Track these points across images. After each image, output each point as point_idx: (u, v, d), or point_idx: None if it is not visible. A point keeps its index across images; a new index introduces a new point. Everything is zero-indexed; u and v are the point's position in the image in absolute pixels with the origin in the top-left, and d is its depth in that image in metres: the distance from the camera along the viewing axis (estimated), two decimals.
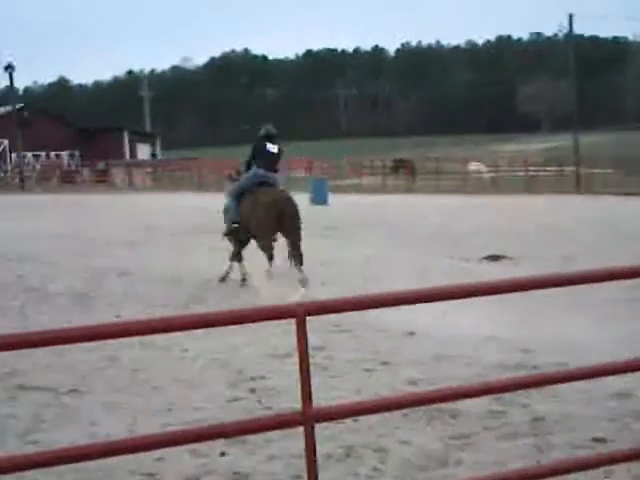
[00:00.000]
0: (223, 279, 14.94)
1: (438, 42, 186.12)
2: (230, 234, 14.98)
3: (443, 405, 6.87)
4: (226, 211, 15.31)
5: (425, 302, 4.81)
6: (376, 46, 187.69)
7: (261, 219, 14.27)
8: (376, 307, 4.90)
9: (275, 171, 14.86)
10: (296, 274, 14.12)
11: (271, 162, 14.81)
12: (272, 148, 14.87)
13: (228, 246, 15.14)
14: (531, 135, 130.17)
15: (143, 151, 72.39)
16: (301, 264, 14.17)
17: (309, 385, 4.08)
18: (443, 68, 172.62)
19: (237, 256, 14.99)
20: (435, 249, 18.63)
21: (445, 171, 50.97)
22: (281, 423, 4.44)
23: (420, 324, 10.77)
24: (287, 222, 14.27)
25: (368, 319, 10.67)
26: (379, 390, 8.04)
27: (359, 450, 6.54)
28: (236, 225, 14.69)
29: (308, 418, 4.06)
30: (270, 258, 14.44)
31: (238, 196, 14.71)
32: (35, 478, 5.91)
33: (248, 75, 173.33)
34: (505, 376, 8.19)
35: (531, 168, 50.90)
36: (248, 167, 14.90)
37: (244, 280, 14.77)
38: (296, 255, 14.25)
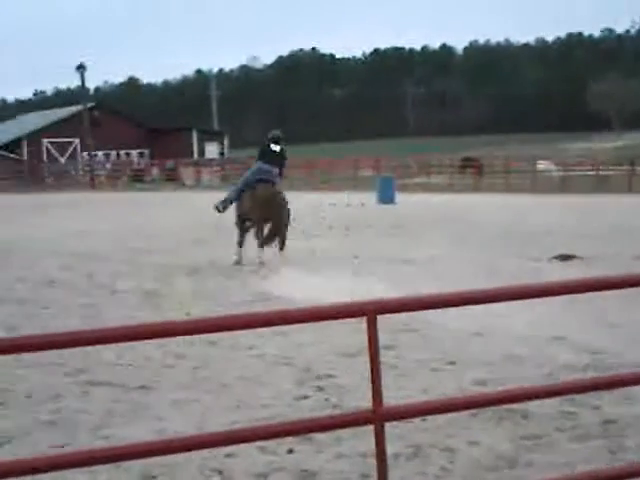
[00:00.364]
0: (237, 263, 16.98)
1: (507, 40, 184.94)
2: (238, 223, 17.42)
3: (513, 405, 6.80)
4: (223, 201, 17.55)
5: (493, 302, 4.76)
6: (444, 44, 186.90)
7: (254, 210, 16.74)
8: (445, 307, 4.86)
9: (280, 166, 17.30)
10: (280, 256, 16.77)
11: (273, 159, 17.22)
12: (275, 147, 17.38)
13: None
14: (601, 133, 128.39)
15: (211, 150, 72.86)
16: (281, 249, 16.82)
17: (379, 384, 4.06)
18: (512, 66, 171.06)
19: (240, 242, 17.31)
20: (503, 249, 18.46)
21: (514, 170, 50.52)
22: (351, 421, 4.43)
23: (488, 324, 10.68)
24: (274, 215, 16.62)
25: (436, 318, 10.62)
26: (446, 390, 7.99)
27: (427, 449, 6.51)
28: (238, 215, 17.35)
29: (378, 417, 4.04)
30: (260, 245, 16.80)
31: (241, 190, 17.25)
32: (105, 474, 6.00)
33: (316, 74, 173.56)
34: (575, 377, 8.10)
35: (601, 167, 50.24)
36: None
37: (237, 263, 16.96)
38: (280, 241, 16.79)
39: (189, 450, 4.61)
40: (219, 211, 17.63)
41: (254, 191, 16.82)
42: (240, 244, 17.26)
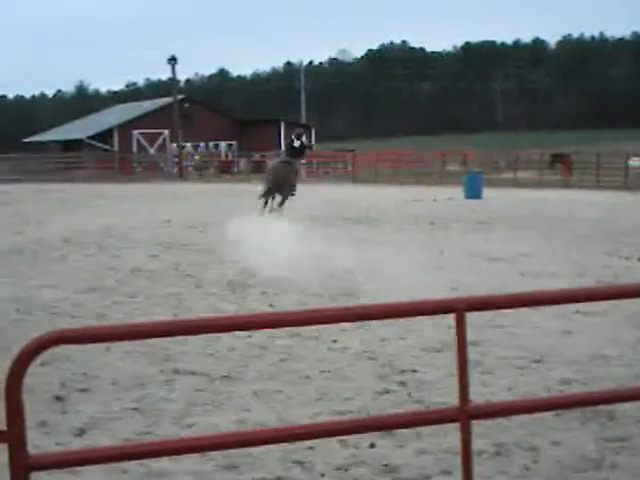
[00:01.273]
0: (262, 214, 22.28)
1: (602, 34, 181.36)
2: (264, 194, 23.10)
3: (599, 406, 6.67)
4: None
5: (582, 302, 4.67)
6: (537, 38, 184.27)
7: (270, 180, 22.98)
8: (534, 305, 4.78)
9: (300, 155, 23.96)
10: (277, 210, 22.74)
11: (293, 151, 23.55)
12: (296, 143, 23.56)
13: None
14: None
15: (298, 142, 73.15)
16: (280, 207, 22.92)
17: (467, 382, 4.00)
18: (606, 61, 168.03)
19: (265, 201, 22.92)
20: (593, 246, 18.15)
21: (605, 166, 49.65)
22: (437, 419, 4.38)
23: (577, 322, 10.52)
24: (283, 184, 22.65)
25: (522, 315, 10.48)
26: (531, 389, 7.89)
27: (510, 448, 6.43)
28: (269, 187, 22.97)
29: (465, 415, 3.98)
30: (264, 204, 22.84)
31: (269, 173, 23.90)
32: (189, 462, 6.05)
33: (405, 67, 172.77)
34: None
35: None
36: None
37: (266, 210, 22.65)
38: (280, 203, 22.89)
39: (271, 443, 4.61)
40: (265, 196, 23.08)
41: (275, 169, 23.39)
42: (265, 204, 22.90)
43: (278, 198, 22.98)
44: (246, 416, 7.29)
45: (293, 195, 23.14)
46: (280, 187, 22.83)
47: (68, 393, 8.05)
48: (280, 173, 22.95)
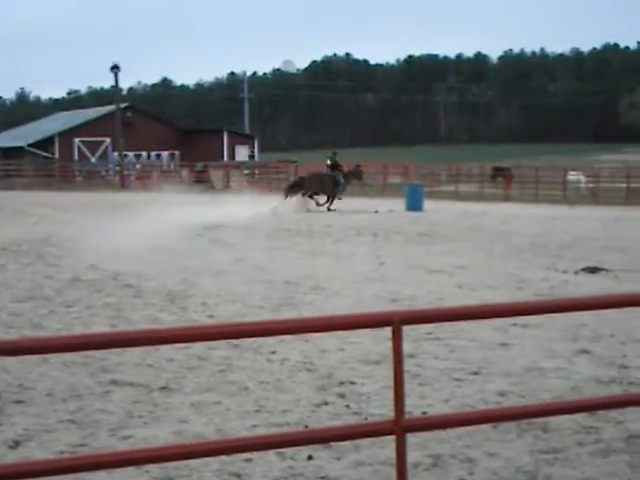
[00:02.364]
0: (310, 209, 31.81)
1: (542, 49, 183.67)
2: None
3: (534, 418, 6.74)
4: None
5: (519, 315, 4.73)
6: (479, 52, 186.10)
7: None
8: (471, 319, 4.83)
9: (333, 169, 35.06)
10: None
11: (328, 168, 34.99)
12: (328, 162, 35.32)
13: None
14: (636, 146, 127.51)
15: (241, 152, 72.91)
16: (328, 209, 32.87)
17: (402, 395, 4.03)
18: (546, 76, 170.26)
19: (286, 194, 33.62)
20: (531, 259, 18.36)
21: (544, 180, 50.24)
22: (372, 431, 4.41)
23: (513, 334, 10.62)
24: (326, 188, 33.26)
25: (460, 328, 10.56)
26: (468, 400, 7.95)
27: (447, 460, 6.47)
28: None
29: (400, 428, 4.01)
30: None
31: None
32: (124, 475, 6.00)
33: (349, 79, 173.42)
34: (599, 391, 8.04)
35: (633, 179, 49.84)
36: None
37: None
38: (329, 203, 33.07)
39: (208, 456, 4.61)
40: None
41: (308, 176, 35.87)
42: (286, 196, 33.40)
43: (319, 199, 33.43)
44: (184, 428, 7.26)
45: (338, 199, 33.61)
46: (311, 189, 33.66)
47: (3, 404, 7.94)
48: (311, 179, 34.83)
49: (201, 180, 58.85)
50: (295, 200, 33.43)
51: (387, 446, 6.28)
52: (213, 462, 6.22)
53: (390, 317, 4.11)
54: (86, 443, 6.90)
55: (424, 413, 7.32)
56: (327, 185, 33.82)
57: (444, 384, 8.55)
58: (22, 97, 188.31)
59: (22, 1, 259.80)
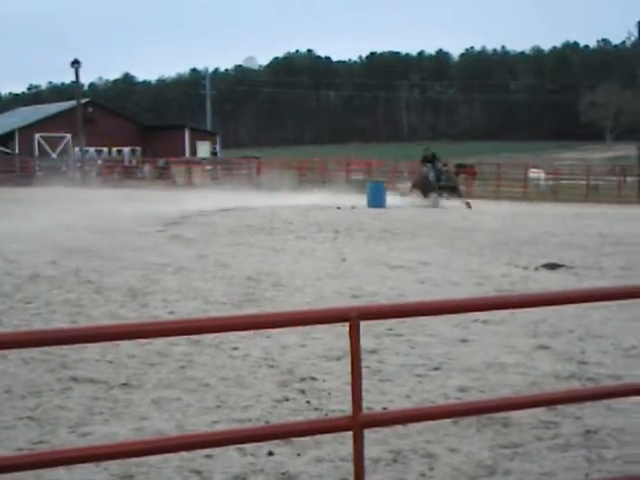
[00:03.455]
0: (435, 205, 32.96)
1: (503, 47, 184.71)
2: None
3: (494, 413, 6.78)
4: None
5: (477, 311, 4.75)
6: (440, 50, 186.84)
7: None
8: (429, 314, 4.85)
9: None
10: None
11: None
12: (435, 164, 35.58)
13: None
14: (595, 143, 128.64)
15: (203, 149, 72.75)
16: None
17: (360, 390, 4.04)
18: (507, 74, 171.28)
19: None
20: (492, 256, 18.46)
21: (506, 177, 50.59)
22: (330, 427, 4.41)
23: (474, 330, 10.68)
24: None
25: (421, 324, 10.61)
26: (429, 396, 7.98)
27: (407, 455, 6.49)
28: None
29: (357, 423, 4.02)
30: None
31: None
32: (83, 471, 5.96)
33: (311, 76, 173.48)
34: (559, 387, 8.10)
35: (592, 177, 50.34)
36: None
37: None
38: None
39: (168, 452, 4.59)
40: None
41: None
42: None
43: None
44: (144, 424, 7.23)
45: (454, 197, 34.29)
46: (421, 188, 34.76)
47: None
48: (418, 180, 35.79)
49: (163, 176, 58.67)
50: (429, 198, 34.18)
51: (348, 442, 6.25)
52: (173, 458, 6.21)
53: (347, 312, 4.11)
54: (45, 440, 6.85)
55: (384, 409, 7.34)
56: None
57: (405, 380, 8.58)
58: None
59: None
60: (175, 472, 6.17)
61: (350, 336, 4.03)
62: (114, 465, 6.11)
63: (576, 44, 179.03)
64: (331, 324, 4.68)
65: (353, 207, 31.35)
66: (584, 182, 48.53)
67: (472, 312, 4.68)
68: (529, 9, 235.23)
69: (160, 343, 9.68)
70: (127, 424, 7.24)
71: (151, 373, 8.87)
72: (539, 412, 7.21)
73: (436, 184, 34.48)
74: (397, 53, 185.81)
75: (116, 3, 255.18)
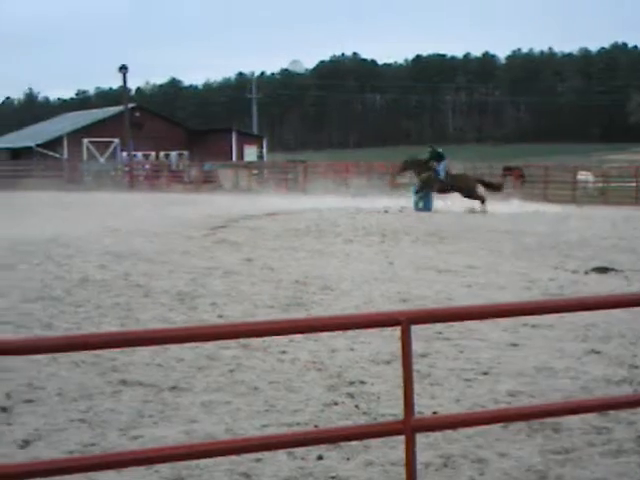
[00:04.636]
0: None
1: (550, 49, 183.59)
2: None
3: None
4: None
5: (527, 315, 4.71)
6: (486, 52, 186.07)
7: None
8: (479, 318, 4.82)
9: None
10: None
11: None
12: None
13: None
14: None
15: (250, 152, 72.97)
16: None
17: (412, 394, 4.02)
18: (554, 76, 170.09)
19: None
20: (540, 259, 18.30)
21: (553, 180, 50.14)
22: (382, 431, 4.40)
23: (522, 335, 10.60)
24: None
25: (470, 327, 10.56)
26: (479, 400, 7.93)
27: (457, 460, 6.45)
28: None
29: (409, 428, 4.00)
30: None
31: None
32: (134, 474, 6.00)
33: (356, 79, 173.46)
34: (610, 391, 8.02)
35: None
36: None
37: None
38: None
39: (218, 455, 4.61)
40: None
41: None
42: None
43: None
44: (194, 427, 7.26)
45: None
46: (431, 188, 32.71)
47: (13, 404, 7.95)
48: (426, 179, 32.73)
49: (210, 180, 58.91)
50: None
51: (397, 446, 6.27)
52: (223, 461, 6.22)
53: (399, 316, 4.10)
54: (96, 443, 6.91)
55: (434, 413, 7.31)
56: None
57: (454, 384, 8.54)
58: (31, 98, 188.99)
59: (31, 2, 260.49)
60: (225, 475, 6.19)
61: (401, 340, 4.01)
62: (164, 468, 6.15)
63: (624, 45, 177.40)
64: (380, 328, 4.67)
65: (400, 210, 31.29)
66: (634, 184, 47.93)
67: (523, 316, 4.64)
68: (577, 10, 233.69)
69: (209, 346, 9.73)
70: (176, 427, 7.28)
71: (200, 376, 8.90)
72: (590, 417, 7.14)
73: (448, 182, 32.94)
74: (443, 56, 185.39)
75: (163, 8, 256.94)
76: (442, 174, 33.00)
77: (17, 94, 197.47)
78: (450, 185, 32.91)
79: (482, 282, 14.99)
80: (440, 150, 34.27)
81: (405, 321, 3.97)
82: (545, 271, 16.44)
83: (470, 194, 32.89)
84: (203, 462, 6.10)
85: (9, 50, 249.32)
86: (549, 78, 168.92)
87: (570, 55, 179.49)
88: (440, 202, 32.86)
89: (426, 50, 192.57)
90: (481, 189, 33.54)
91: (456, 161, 55.89)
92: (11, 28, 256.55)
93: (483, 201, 32.36)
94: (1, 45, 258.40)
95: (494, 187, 34.88)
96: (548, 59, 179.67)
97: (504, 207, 33.03)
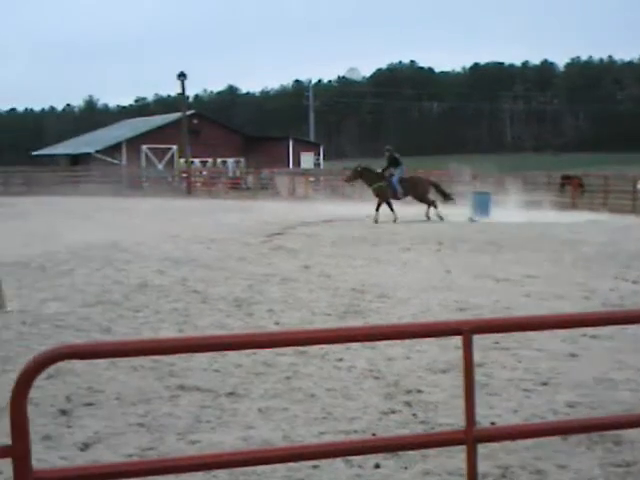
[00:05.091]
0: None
1: (610, 57, 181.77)
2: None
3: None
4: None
5: (590, 326, 4.65)
6: (545, 60, 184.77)
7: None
8: (542, 329, 4.77)
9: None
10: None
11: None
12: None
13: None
14: None
15: (306, 160, 73.20)
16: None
17: (473, 404, 3.99)
18: (614, 83, 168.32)
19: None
20: (600, 269, 18.08)
21: (613, 189, 49.56)
22: (443, 441, 4.37)
23: (581, 345, 10.48)
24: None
25: (528, 337, 10.47)
26: (537, 411, 7.85)
27: (516, 471, 6.39)
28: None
29: (470, 438, 3.97)
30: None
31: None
32: (192, 479, 6.02)
33: (413, 87, 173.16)
34: None
35: None
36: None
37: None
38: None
39: (276, 462, 4.60)
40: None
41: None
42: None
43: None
44: (251, 434, 7.28)
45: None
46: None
47: (73, 407, 8.05)
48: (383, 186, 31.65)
49: (267, 187, 59.11)
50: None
51: (455, 456, 6.24)
52: (280, 468, 6.23)
53: (460, 326, 4.07)
54: (154, 447, 6.95)
55: (492, 423, 7.26)
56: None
57: (512, 394, 8.47)
58: (90, 105, 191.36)
59: (90, 11, 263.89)
60: None
61: (463, 350, 3.99)
62: (222, 473, 6.17)
63: None
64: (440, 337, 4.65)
65: (458, 219, 31.07)
66: None
67: (585, 327, 4.58)
68: (637, 17, 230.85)
69: (266, 353, 9.75)
70: (234, 433, 7.30)
71: (257, 383, 8.93)
72: None
73: (400, 191, 31.69)
74: (501, 64, 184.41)
75: (221, 17, 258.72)
76: (397, 182, 31.85)
77: (77, 101, 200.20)
78: (403, 191, 31.94)
79: (541, 291, 14.85)
80: (397, 155, 33.02)
81: (467, 331, 3.94)
82: (605, 281, 16.23)
83: (422, 198, 32.07)
84: (260, 468, 6.11)
85: (70, 58, 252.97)
86: (608, 86, 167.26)
87: (630, 63, 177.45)
88: (445, 210, 31.96)
89: (484, 58, 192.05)
90: (431, 195, 32.49)
91: (515, 171, 55.49)
92: (71, 37, 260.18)
93: (435, 206, 31.58)
94: (62, 53, 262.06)
95: (446, 196, 33.20)
96: (607, 67, 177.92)
97: (562, 217, 32.74)
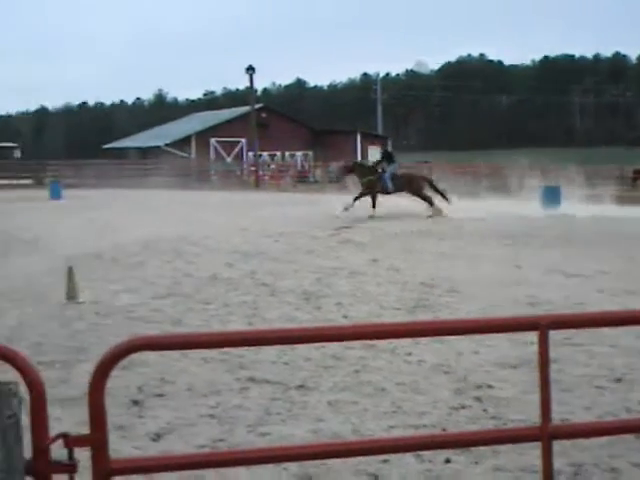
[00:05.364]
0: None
1: None
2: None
3: None
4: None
5: None
6: (617, 52, 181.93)
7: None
8: (619, 325, 4.69)
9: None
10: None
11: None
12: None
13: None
14: None
15: (374, 153, 73.02)
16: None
17: (549, 400, 3.94)
18: None
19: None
20: None
21: None
22: (517, 437, 4.32)
23: None
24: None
25: (601, 333, 10.31)
26: (611, 409, 7.73)
27: (589, 469, 6.31)
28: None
29: (546, 434, 3.92)
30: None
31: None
32: (263, 471, 6.06)
33: (482, 80, 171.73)
34: None
35: None
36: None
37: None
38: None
39: (346, 456, 4.60)
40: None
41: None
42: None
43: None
44: (321, 426, 7.28)
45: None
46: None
47: (145, 397, 8.14)
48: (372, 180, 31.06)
49: (335, 180, 59.11)
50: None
51: (526, 452, 6.17)
52: (351, 461, 6.22)
53: (537, 321, 4.03)
54: (224, 438, 7.00)
55: (565, 420, 7.17)
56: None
57: (585, 391, 8.35)
58: (160, 98, 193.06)
59: (159, 5, 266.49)
60: (353, 475, 6.19)
61: (539, 345, 3.94)
62: (293, 466, 6.19)
63: None
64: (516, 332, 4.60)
65: (527, 213, 30.74)
66: None
67: None
68: None
69: (335, 346, 9.75)
70: (304, 425, 7.31)
71: (326, 376, 8.94)
72: None
73: (391, 187, 30.81)
74: (571, 56, 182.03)
75: (289, 10, 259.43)
76: (388, 177, 31.03)
77: (147, 95, 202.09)
78: (395, 186, 31.05)
79: (612, 287, 14.62)
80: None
81: (544, 326, 3.90)
82: None
83: (418, 194, 30.95)
84: (330, 461, 6.11)
85: (140, 52, 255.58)
86: None
87: None
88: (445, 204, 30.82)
89: (554, 51, 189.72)
90: (429, 191, 31.26)
91: (586, 165, 54.74)
92: (141, 31, 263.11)
93: (431, 203, 30.48)
94: (133, 48, 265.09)
95: (442, 195, 31.32)
96: None
97: (634, 211, 32.21)
